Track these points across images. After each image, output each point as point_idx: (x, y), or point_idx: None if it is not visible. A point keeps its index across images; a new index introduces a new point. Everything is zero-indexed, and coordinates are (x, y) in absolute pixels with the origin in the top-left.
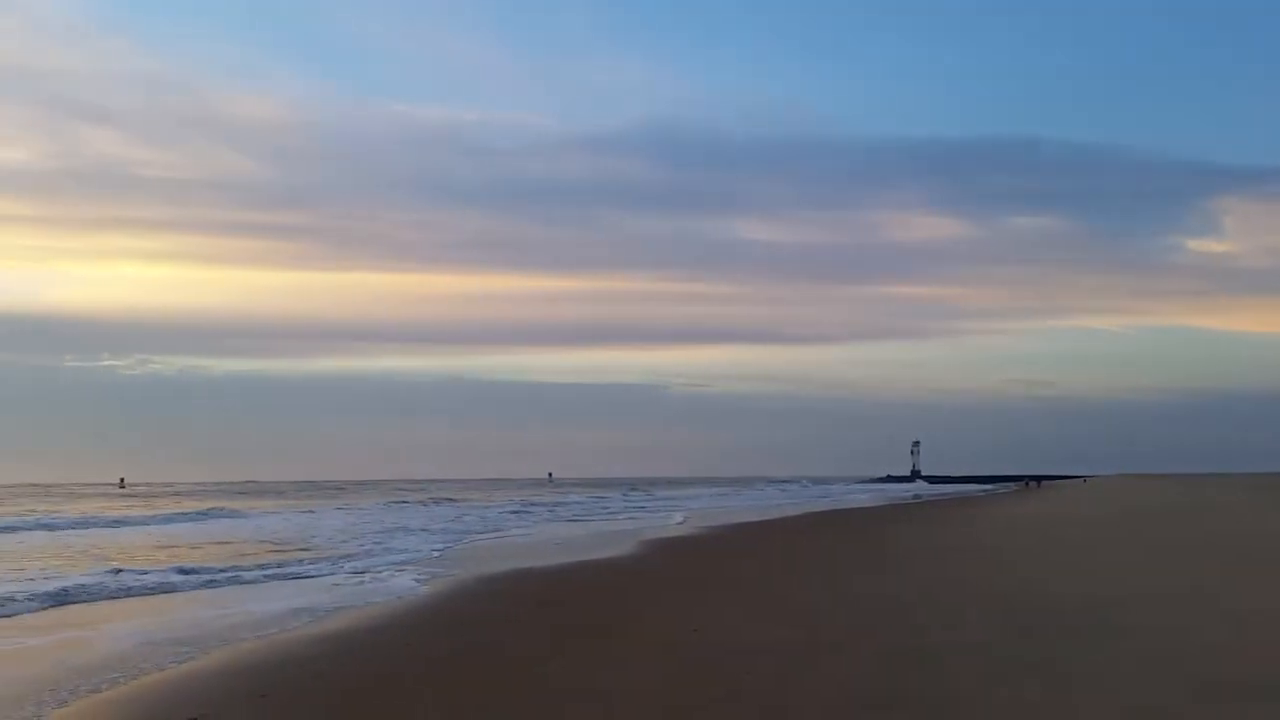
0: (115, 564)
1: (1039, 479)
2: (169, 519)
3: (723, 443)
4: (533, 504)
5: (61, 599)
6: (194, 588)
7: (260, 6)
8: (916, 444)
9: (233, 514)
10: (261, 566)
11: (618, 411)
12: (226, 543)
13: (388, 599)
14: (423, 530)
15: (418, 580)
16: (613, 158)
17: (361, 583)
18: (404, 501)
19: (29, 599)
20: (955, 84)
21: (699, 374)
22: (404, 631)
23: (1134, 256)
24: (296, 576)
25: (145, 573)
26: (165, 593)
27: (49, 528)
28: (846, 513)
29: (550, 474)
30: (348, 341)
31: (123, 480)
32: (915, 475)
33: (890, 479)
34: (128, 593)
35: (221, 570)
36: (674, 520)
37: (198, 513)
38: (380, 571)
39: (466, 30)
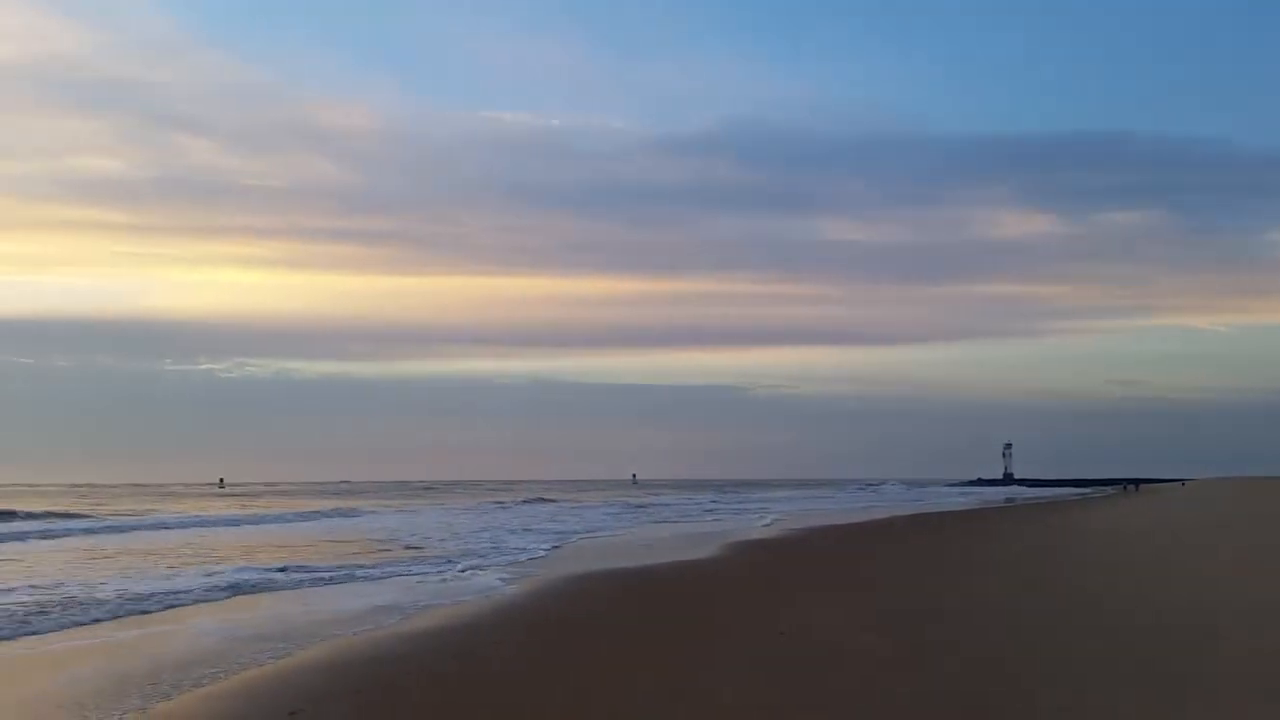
0: (286, 562)
1: (1136, 482)
2: (289, 518)
3: (808, 445)
4: (627, 505)
5: (238, 588)
6: (320, 584)
7: (351, 18)
8: (1008, 446)
9: (350, 513)
10: (384, 564)
11: (700, 413)
12: (351, 540)
13: (496, 596)
14: (526, 530)
15: (529, 577)
16: (694, 159)
17: (475, 579)
18: (500, 503)
19: (172, 593)
20: (1043, 77)
21: (782, 375)
22: (503, 629)
23: (1232, 252)
24: (420, 574)
25: (270, 569)
26: (294, 588)
27: (188, 525)
28: (937, 516)
29: (634, 475)
30: (435, 344)
31: (222, 480)
32: (1008, 478)
33: (981, 482)
34: (265, 587)
35: (370, 567)
36: (762, 522)
37: (314, 512)
38: (494, 569)
39: (550, 36)
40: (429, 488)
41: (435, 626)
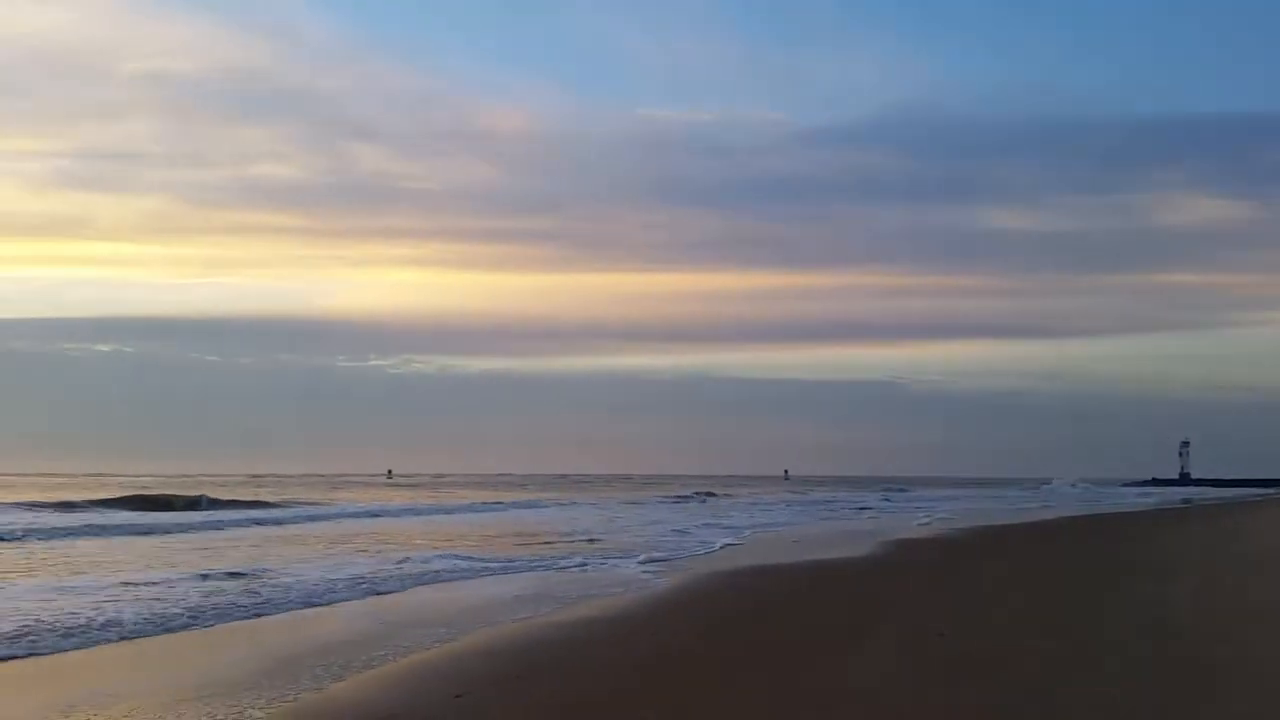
0: (453, 550)
1: None
2: (477, 508)
3: (968, 442)
4: (790, 500)
5: (429, 578)
6: (515, 572)
7: (510, 22)
8: (1185, 444)
9: (529, 505)
10: (572, 555)
11: (855, 409)
12: (536, 532)
13: (680, 587)
14: (706, 524)
15: (713, 571)
16: (851, 150)
17: (662, 571)
18: (676, 496)
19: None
20: (1225, 53)
21: (941, 370)
22: (671, 620)
23: None
24: (608, 564)
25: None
26: (470, 578)
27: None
28: (1108, 517)
29: (786, 472)
30: (591, 341)
31: (390, 471)
32: (1184, 478)
33: (1156, 482)
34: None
35: (561, 558)
36: (922, 520)
37: (496, 503)
38: (678, 561)
39: (704, 31)
40: (586, 481)
41: (597, 615)
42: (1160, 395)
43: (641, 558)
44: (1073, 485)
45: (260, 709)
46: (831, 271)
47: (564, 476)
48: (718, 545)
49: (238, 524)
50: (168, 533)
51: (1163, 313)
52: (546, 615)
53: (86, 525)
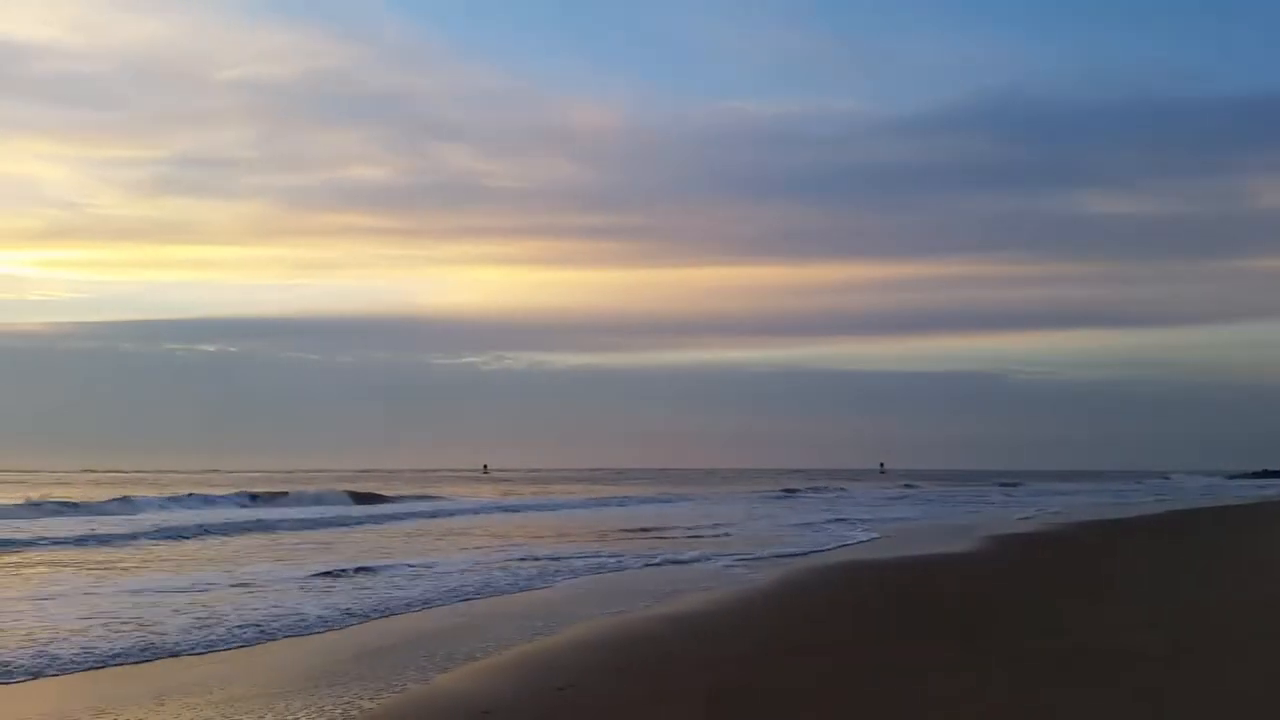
0: (602, 546)
1: None
2: (589, 504)
3: (1071, 434)
4: (894, 494)
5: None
6: (649, 567)
7: (591, 19)
8: None
9: (646, 500)
10: (700, 550)
11: (952, 401)
12: (660, 525)
13: (803, 581)
14: (835, 520)
15: (831, 565)
16: (941, 137)
17: (791, 562)
18: (787, 490)
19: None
20: None
21: (1041, 360)
22: (778, 618)
23: None
24: (737, 559)
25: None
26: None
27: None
28: (1219, 510)
29: (882, 465)
30: (680, 335)
31: (486, 466)
32: None
33: (1268, 474)
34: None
35: (690, 551)
36: (1028, 514)
37: (613, 498)
38: (806, 557)
39: (789, 21)
40: (681, 476)
41: (705, 609)
42: (1271, 384)
43: (786, 551)
44: (1184, 476)
45: (369, 699)
46: (925, 261)
47: (661, 471)
48: (855, 540)
49: (419, 515)
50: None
51: (1272, 298)
52: (659, 606)
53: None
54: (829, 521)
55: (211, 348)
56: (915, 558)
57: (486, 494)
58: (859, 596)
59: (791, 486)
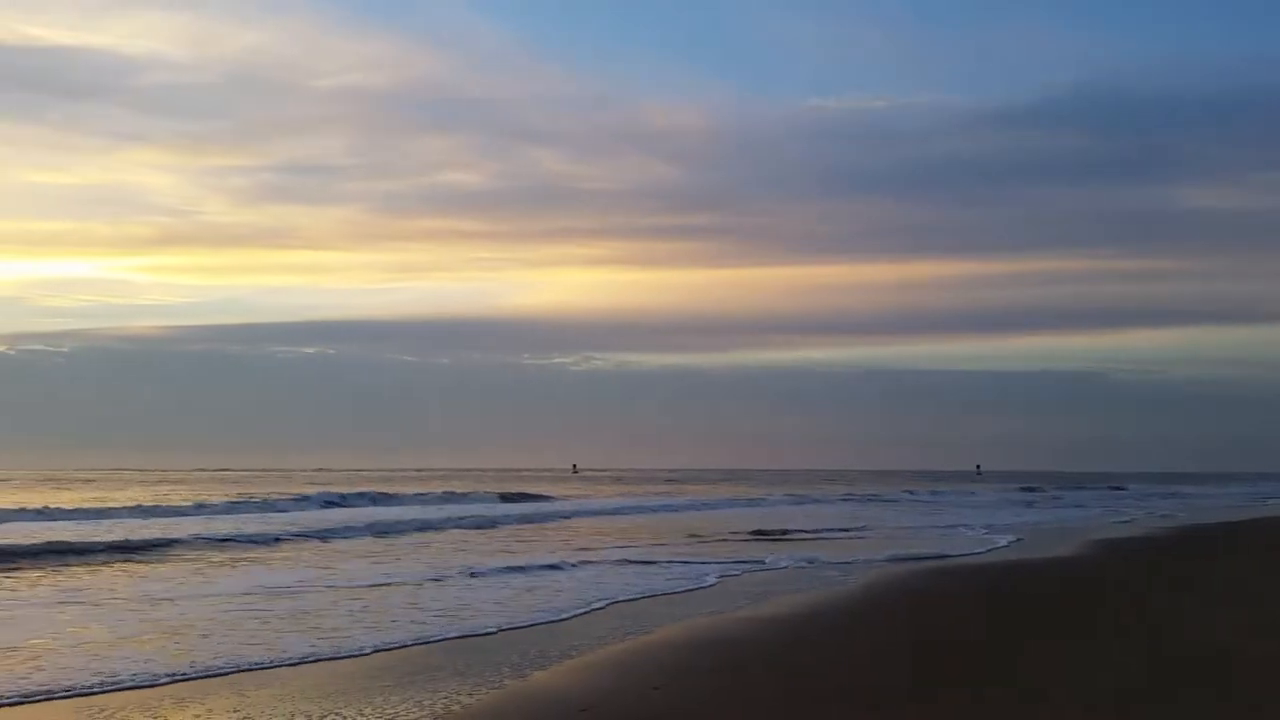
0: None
1: None
2: (698, 505)
3: (1177, 435)
4: (1022, 498)
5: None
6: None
7: (678, 20)
8: None
9: (755, 502)
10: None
11: (1049, 401)
12: (804, 528)
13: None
14: (961, 525)
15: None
16: (1032, 130)
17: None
18: (907, 491)
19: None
20: None
21: (1142, 359)
22: (894, 617)
23: None
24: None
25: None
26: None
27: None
28: None
29: (979, 467)
30: (767, 334)
31: (575, 466)
32: None
33: None
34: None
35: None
36: (1136, 516)
37: (727, 499)
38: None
39: (871, 18)
40: (777, 477)
41: (806, 611)
42: None
43: (927, 553)
44: None
45: (467, 694)
46: (1018, 258)
47: (752, 472)
48: (1002, 542)
49: (584, 513)
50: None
51: None
52: (770, 607)
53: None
54: (958, 525)
55: (312, 350)
56: (1058, 560)
57: (608, 493)
58: (1010, 599)
59: (895, 489)
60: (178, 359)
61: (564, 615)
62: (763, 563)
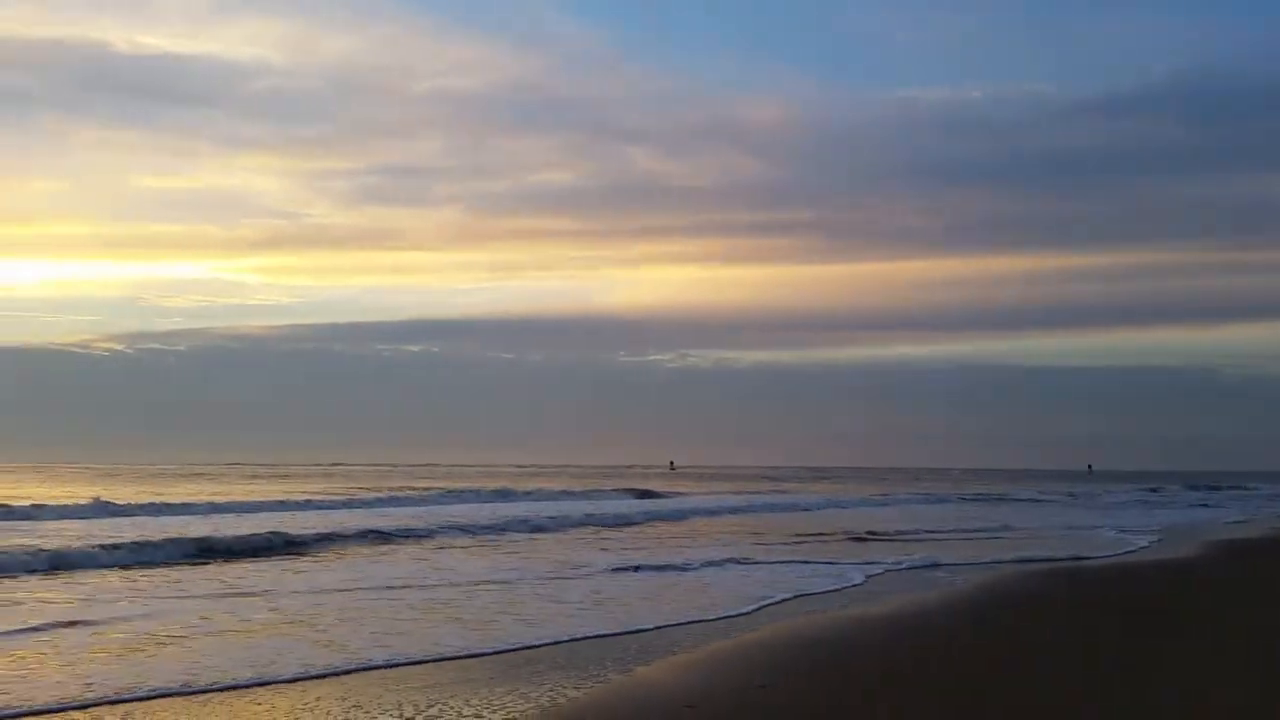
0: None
1: None
2: (852, 502)
3: None
4: (1144, 498)
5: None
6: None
7: (766, 15)
8: None
9: (864, 501)
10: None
11: (1157, 398)
12: (945, 528)
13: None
14: (1094, 526)
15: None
16: (1132, 120)
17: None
18: (1040, 491)
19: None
20: None
21: (1259, 354)
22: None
23: None
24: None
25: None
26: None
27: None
28: None
29: (1090, 466)
30: (865, 330)
31: (672, 463)
32: None
33: None
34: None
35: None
36: (1230, 519)
37: (874, 498)
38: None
39: (961, 6)
40: (878, 475)
41: (917, 610)
42: None
43: (1068, 555)
44: None
45: (572, 687)
46: (1116, 250)
47: (852, 469)
48: (1142, 543)
49: (725, 510)
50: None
51: None
52: (875, 605)
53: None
54: (1090, 526)
55: (415, 348)
56: (1198, 560)
57: (721, 490)
58: (1141, 602)
59: (1006, 489)
60: (287, 357)
61: (721, 614)
62: (899, 563)
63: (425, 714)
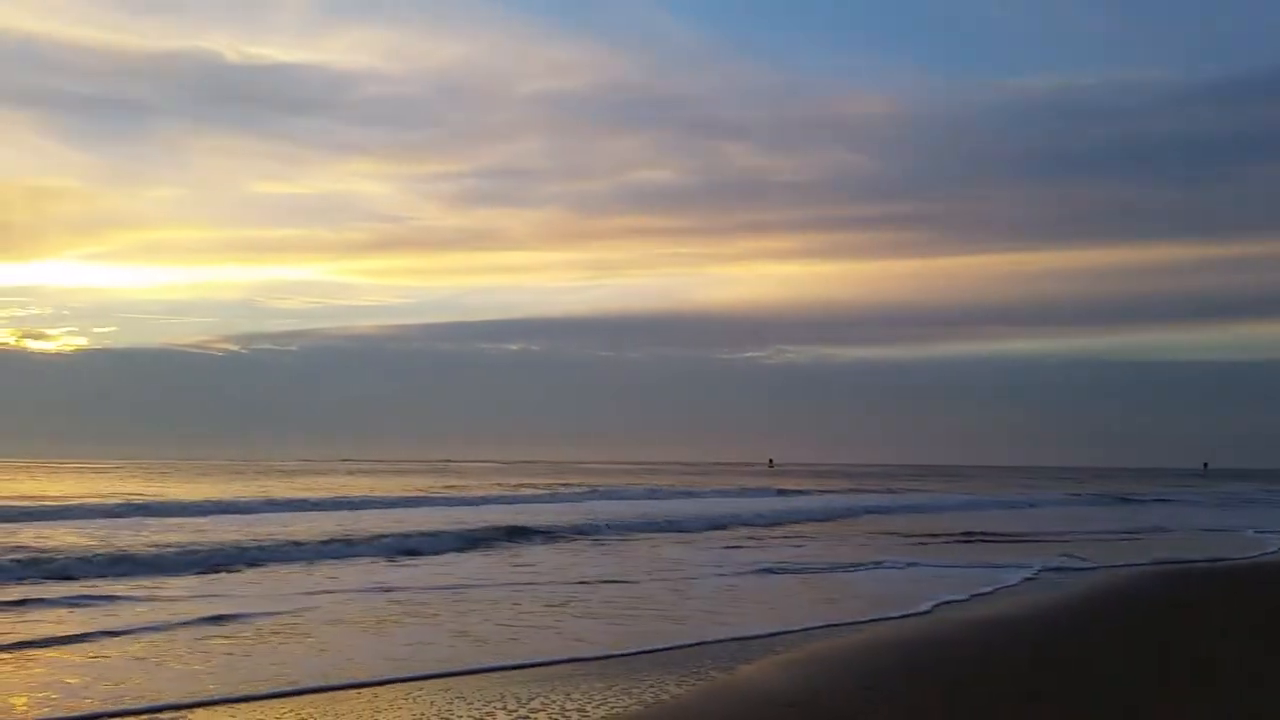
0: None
1: None
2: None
3: None
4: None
5: None
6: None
7: (866, 6)
8: None
9: (999, 501)
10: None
11: (1273, 394)
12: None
13: None
14: (1230, 528)
15: None
16: (1251, 105)
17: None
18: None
19: None
20: None
21: None
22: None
23: None
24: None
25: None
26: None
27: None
28: None
29: (1205, 464)
30: (969, 325)
31: (771, 461)
32: None
33: None
34: None
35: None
36: None
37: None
38: None
39: None
40: (983, 473)
41: (1030, 613)
42: None
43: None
44: None
45: (675, 684)
46: (1239, 239)
47: (962, 467)
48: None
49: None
50: None
51: None
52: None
53: None
54: (1229, 527)
55: (516, 346)
56: None
57: (837, 485)
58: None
59: (1129, 488)
60: (395, 356)
61: (893, 614)
62: (1043, 566)
63: (527, 707)
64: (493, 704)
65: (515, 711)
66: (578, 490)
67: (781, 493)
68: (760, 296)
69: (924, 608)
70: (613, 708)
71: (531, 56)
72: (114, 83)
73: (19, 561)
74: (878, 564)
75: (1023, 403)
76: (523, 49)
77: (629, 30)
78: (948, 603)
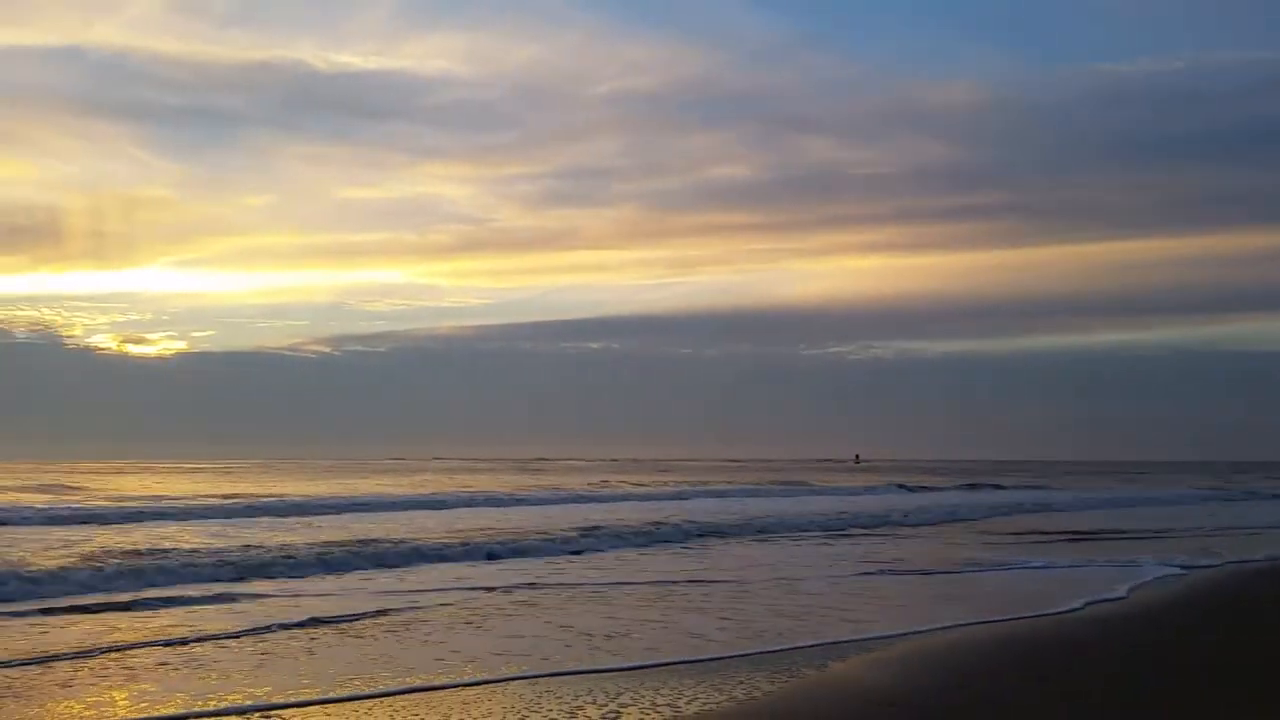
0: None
1: None
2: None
3: None
4: None
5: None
6: None
7: None
8: None
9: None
10: None
11: None
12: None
13: None
14: None
15: None
16: None
17: None
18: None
19: None
20: None
21: None
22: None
23: None
24: None
25: None
26: None
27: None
28: None
29: None
30: (1061, 316)
31: (857, 457)
32: None
33: None
34: None
35: None
36: None
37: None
38: None
39: None
40: (1081, 466)
41: (1125, 613)
42: None
43: None
44: None
45: (765, 681)
46: None
47: (1056, 462)
48: None
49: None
50: None
51: None
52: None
53: None
54: None
55: (597, 345)
56: None
57: (939, 484)
58: None
59: (1237, 482)
60: (480, 356)
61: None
62: (1170, 563)
63: (617, 701)
64: (581, 698)
65: (605, 706)
66: (708, 487)
67: (902, 488)
68: (841, 291)
69: (1074, 605)
70: (704, 704)
71: (606, 56)
72: (204, 94)
73: (226, 563)
74: (1025, 563)
75: (1114, 395)
76: (597, 49)
77: (702, 27)
78: (1097, 601)
